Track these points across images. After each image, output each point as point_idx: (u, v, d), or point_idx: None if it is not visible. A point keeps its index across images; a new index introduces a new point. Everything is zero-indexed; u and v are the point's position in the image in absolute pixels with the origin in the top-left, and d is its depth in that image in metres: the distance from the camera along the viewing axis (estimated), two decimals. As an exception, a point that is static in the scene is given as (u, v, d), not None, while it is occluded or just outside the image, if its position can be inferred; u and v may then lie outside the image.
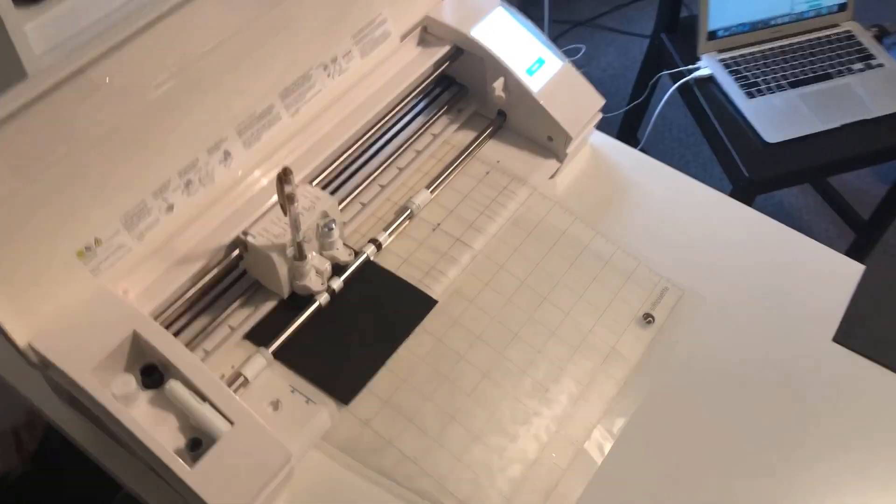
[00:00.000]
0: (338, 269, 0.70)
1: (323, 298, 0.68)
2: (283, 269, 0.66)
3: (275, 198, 0.68)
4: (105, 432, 0.63)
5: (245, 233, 0.66)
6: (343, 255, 0.69)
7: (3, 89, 0.52)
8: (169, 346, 0.57)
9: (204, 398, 0.57)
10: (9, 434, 1.17)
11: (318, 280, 0.68)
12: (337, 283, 0.69)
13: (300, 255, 0.65)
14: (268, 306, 0.68)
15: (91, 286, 0.60)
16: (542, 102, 0.79)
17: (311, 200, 0.68)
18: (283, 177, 0.59)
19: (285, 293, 0.68)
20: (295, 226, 0.62)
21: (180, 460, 0.54)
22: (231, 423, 0.56)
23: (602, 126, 0.86)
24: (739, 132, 1.30)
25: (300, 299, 0.68)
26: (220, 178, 0.69)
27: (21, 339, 0.56)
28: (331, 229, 0.67)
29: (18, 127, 0.52)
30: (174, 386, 0.56)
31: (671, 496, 0.64)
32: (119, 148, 0.59)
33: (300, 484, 0.62)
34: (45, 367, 0.56)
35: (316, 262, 0.68)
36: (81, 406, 0.58)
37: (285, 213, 0.62)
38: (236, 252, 0.67)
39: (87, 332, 0.57)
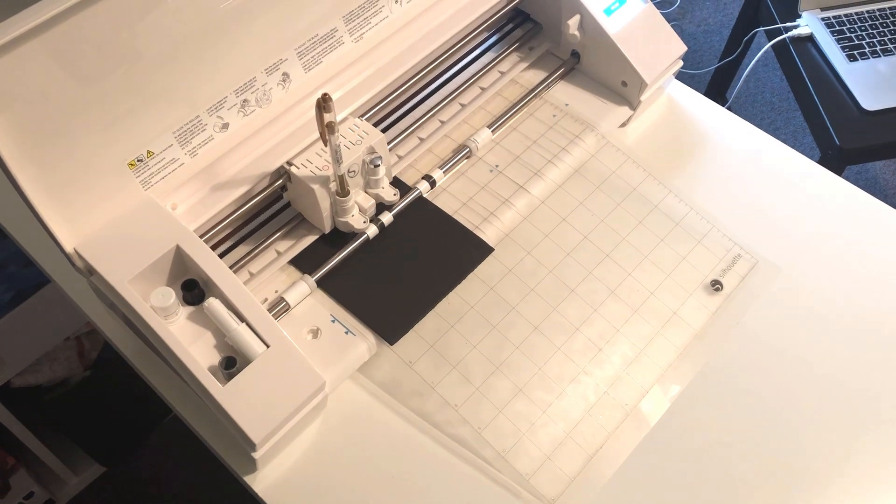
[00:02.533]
0: (382, 207, 0.67)
1: (371, 231, 0.66)
2: (324, 203, 0.63)
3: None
4: (147, 345, 0.64)
5: (289, 162, 0.64)
6: (388, 194, 0.67)
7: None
8: (211, 264, 0.56)
9: (242, 318, 0.56)
10: (72, 340, 1.21)
11: (361, 218, 0.65)
12: (387, 218, 0.67)
13: (342, 191, 0.63)
14: (309, 240, 0.66)
15: (139, 197, 0.59)
16: (618, 44, 0.73)
17: (359, 135, 0.65)
18: (323, 104, 0.55)
19: (327, 228, 0.66)
20: (335, 157, 0.60)
21: (212, 377, 0.53)
22: (267, 345, 0.55)
23: (691, 84, 0.80)
24: (835, 96, 1.20)
25: (343, 235, 0.66)
26: (276, 100, 0.67)
27: (68, 244, 0.56)
28: (377, 166, 0.64)
29: (76, 25, 0.50)
30: (213, 303, 0.55)
31: (721, 470, 0.60)
32: (178, 60, 0.58)
33: (335, 414, 0.61)
34: (89, 273, 0.56)
35: (360, 200, 0.65)
36: (125, 317, 0.58)
37: (325, 144, 0.59)
38: (280, 181, 0.65)
39: (131, 241, 0.56)
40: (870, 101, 1.16)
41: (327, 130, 0.56)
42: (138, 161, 0.59)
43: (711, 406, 0.63)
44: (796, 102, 1.31)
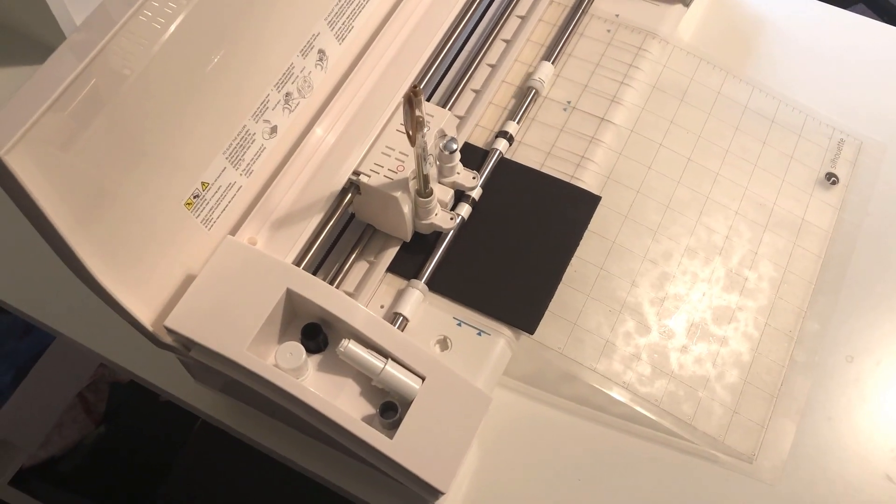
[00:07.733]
0: (459, 196, 0.57)
1: (465, 212, 0.57)
2: (406, 209, 0.53)
3: (383, 120, 0.55)
4: (255, 407, 0.54)
5: (356, 172, 0.53)
6: (467, 179, 0.56)
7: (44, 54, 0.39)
8: (333, 300, 0.46)
9: (385, 354, 0.46)
10: (76, 400, 1.08)
11: (447, 215, 0.55)
12: (476, 192, 0.58)
13: (424, 191, 0.53)
14: (392, 252, 0.56)
15: (214, 240, 0.48)
16: (668, -66, 0.65)
17: (424, 118, 0.54)
18: (414, 97, 0.45)
19: (409, 236, 0.56)
20: (424, 156, 0.49)
21: (377, 432, 0.44)
22: (422, 378, 0.46)
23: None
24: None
25: (425, 236, 0.57)
26: (318, 84, 0.56)
27: (148, 321, 0.45)
28: (452, 151, 0.54)
29: (74, 96, 0.38)
30: (349, 347, 0.46)
31: (906, 376, 0.56)
32: (214, 70, 0.46)
33: (489, 428, 0.54)
34: (185, 348, 0.46)
35: (438, 193, 0.55)
36: (229, 384, 0.48)
37: (413, 144, 0.48)
38: (350, 195, 0.54)
39: (229, 297, 0.46)
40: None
41: (416, 128, 0.46)
42: (194, 198, 0.48)
43: (877, 303, 0.58)
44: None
